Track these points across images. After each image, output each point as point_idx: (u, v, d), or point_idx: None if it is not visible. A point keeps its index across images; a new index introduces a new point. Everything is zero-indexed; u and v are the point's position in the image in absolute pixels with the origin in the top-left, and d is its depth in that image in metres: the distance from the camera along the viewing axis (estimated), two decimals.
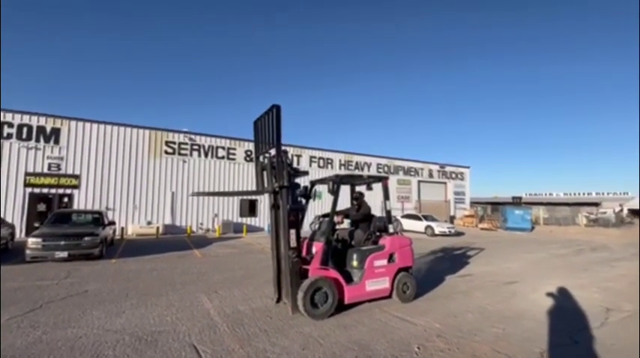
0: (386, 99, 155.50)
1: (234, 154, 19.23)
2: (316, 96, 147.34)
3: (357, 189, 6.22)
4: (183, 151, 17.82)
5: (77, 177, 15.19)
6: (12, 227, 10.90)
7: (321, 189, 6.22)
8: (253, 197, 19.05)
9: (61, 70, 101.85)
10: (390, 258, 5.28)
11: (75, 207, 14.79)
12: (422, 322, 4.39)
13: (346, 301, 4.72)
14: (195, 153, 18.15)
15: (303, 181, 5.32)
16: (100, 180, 15.64)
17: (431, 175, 28.21)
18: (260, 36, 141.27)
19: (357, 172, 22.96)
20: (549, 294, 5.95)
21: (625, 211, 38.48)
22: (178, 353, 3.37)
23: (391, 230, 5.54)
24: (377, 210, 7.44)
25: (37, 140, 14.59)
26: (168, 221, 16.87)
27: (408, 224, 19.43)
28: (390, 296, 5.21)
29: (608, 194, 47.91)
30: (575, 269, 8.73)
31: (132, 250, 10.67)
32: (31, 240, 8.09)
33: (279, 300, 5.00)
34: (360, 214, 5.68)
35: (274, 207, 4.90)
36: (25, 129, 14.41)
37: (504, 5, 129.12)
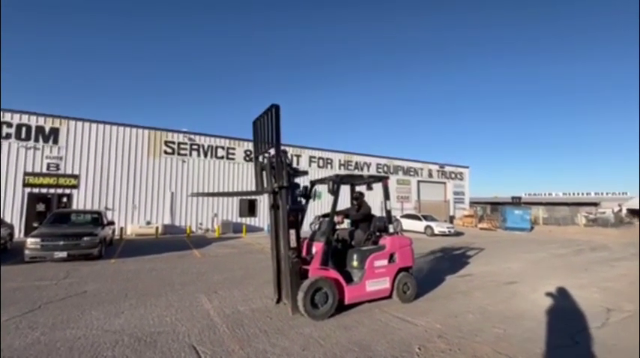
0: (386, 99, 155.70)
1: (233, 154, 19.21)
2: (316, 96, 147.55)
3: (357, 189, 6.20)
4: (182, 151, 17.80)
5: (76, 177, 15.16)
6: (11, 227, 10.86)
7: (321, 189, 6.20)
8: (253, 197, 19.04)
9: (60, 69, 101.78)
10: (391, 258, 5.26)
11: (74, 207, 14.75)
12: (422, 322, 4.37)
13: (346, 301, 4.70)
14: (194, 153, 18.12)
15: (302, 181, 5.30)
16: (100, 180, 15.61)
17: (430, 175, 28.22)
18: (260, 36, 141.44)
19: (356, 172, 22.95)
20: (550, 294, 5.95)
21: (624, 211, 38.54)
22: (178, 354, 3.35)
23: (391, 230, 5.53)
24: (377, 210, 7.44)
25: (36, 140, 14.56)
26: (167, 221, 16.85)
27: (407, 224, 19.41)
28: (390, 297, 5.19)
29: (607, 194, 48.05)
30: (575, 269, 8.73)
31: (131, 250, 10.64)
32: (30, 240, 8.06)
33: (279, 301, 4.98)
34: (360, 214, 5.66)
35: (274, 207, 4.88)
36: (24, 129, 14.37)
37: (504, 5, 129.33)
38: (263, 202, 18.99)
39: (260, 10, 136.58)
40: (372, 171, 24.38)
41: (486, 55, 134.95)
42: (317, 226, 5.62)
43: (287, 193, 4.61)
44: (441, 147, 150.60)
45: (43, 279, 6.42)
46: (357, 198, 5.80)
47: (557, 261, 10.36)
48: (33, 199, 14.36)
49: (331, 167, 22.69)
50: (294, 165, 18.70)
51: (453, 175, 29.77)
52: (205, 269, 7.86)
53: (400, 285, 5.22)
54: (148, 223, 16.11)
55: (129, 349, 3.43)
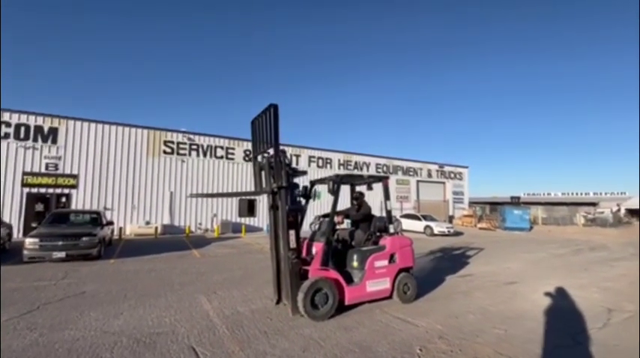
0: (386, 99, 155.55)
1: (232, 154, 19.18)
2: (316, 96, 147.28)
3: (357, 189, 6.18)
4: (181, 151, 17.76)
5: (75, 176, 15.12)
6: (9, 227, 10.82)
7: (321, 189, 6.18)
8: (252, 197, 18.98)
9: (59, 69, 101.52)
10: (391, 259, 5.24)
11: (73, 207, 14.71)
12: (423, 323, 4.36)
13: (347, 302, 4.68)
14: (193, 153, 18.09)
15: (302, 181, 5.28)
16: (98, 179, 15.57)
17: (430, 175, 28.24)
18: (260, 36, 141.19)
19: (356, 172, 22.95)
20: (550, 295, 5.94)
21: (622, 211, 38.68)
22: (177, 355, 3.33)
23: (392, 230, 5.51)
24: (377, 210, 7.42)
25: (35, 140, 14.51)
26: (166, 221, 16.81)
27: (406, 224, 19.38)
28: (390, 297, 5.18)
29: (605, 194, 48.17)
30: (574, 269, 8.73)
31: (130, 250, 10.61)
32: (28, 241, 8.02)
33: (278, 301, 4.96)
34: (360, 214, 5.64)
35: (273, 207, 4.85)
36: (22, 129, 14.32)
37: (504, 4, 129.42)
38: (262, 202, 18.85)
39: (260, 10, 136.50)
40: (372, 171, 24.39)
41: (486, 55, 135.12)
42: (317, 226, 5.60)
43: (286, 193, 4.59)
44: (441, 147, 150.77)
45: (41, 280, 6.38)
46: (357, 198, 5.78)
47: (556, 260, 10.36)
48: (32, 199, 14.32)
49: (330, 167, 22.68)
50: (294, 165, 18.64)
51: (452, 175, 29.79)
52: (205, 269, 7.84)
53: (400, 286, 5.20)
54: (147, 223, 16.07)
55: (128, 350, 3.41)
